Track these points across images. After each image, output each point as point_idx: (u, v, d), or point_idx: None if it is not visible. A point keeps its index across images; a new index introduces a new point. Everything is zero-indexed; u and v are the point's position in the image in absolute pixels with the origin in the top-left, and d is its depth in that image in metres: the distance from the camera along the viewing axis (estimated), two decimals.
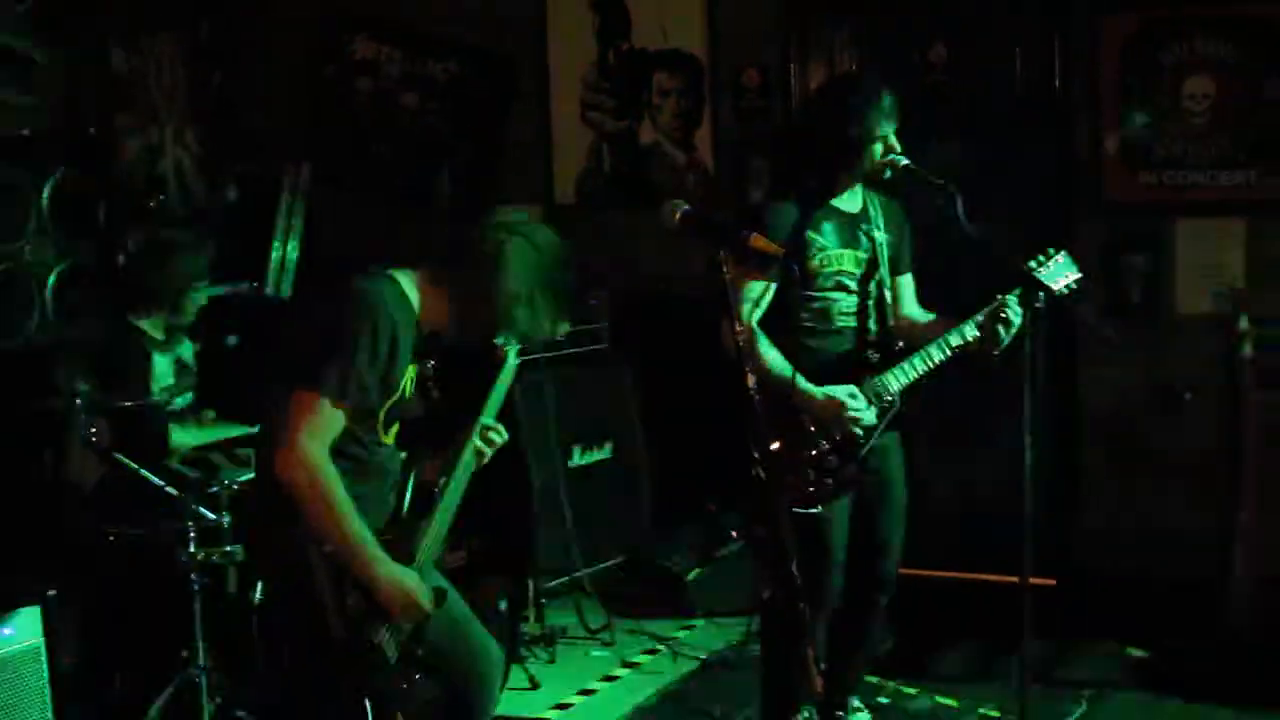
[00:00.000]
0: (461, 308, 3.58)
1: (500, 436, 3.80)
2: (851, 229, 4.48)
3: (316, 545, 3.35)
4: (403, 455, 3.70)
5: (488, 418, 3.78)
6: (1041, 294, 4.37)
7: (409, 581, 3.46)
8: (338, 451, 3.41)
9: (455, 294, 3.56)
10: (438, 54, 7.44)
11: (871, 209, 4.54)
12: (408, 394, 3.57)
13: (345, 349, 3.35)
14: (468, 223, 3.65)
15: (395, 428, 3.60)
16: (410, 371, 3.56)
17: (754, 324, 4.32)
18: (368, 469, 3.53)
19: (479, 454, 3.77)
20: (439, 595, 3.58)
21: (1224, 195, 5.90)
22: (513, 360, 3.84)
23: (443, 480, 3.73)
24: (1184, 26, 5.92)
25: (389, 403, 3.50)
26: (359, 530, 3.37)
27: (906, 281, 4.71)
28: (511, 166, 7.27)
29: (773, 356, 4.30)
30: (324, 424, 3.35)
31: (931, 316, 4.68)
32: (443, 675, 3.66)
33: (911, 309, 4.71)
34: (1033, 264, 4.46)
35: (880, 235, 4.52)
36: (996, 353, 4.43)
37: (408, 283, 3.54)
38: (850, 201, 4.51)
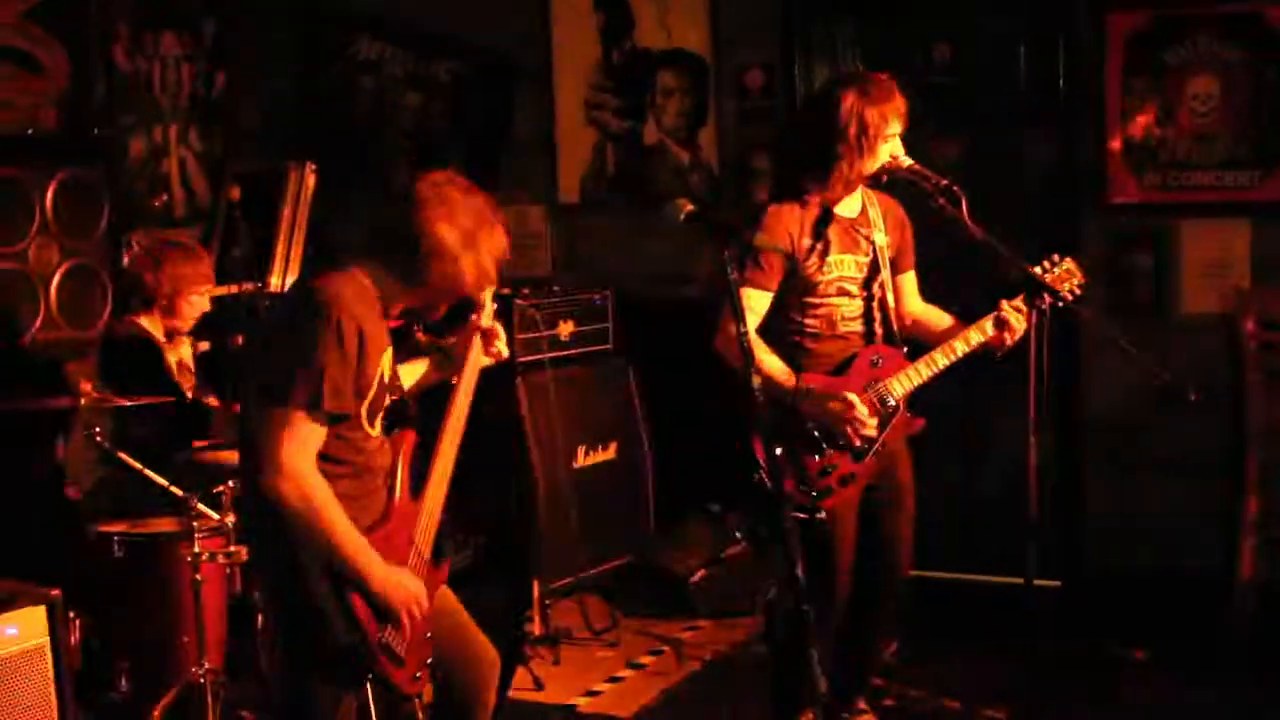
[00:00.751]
0: (414, 283, 3.52)
1: (502, 343, 3.86)
2: (851, 234, 4.47)
3: (310, 553, 3.35)
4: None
5: (465, 388, 3.76)
6: (1048, 298, 4.40)
7: (407, 581, 3.46)
8: (324, 454, 3.38)
9: (403, 272, 3.50)
10: (441, 54, 7.44)
11: (871, 211, 4.53)
12: (387, 377, 3.54)
13: (311, 358, 3.30)
14: (390, 203, 3.59)
15: (380, 418, 3.56)
16: (386, 356, 3.54)
17: (753, 332, 4.32)
18: (356, 466, 3.50)
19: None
20: (438, 577, 3.61)
21: (1229, 195, 5.90)
22: (488, 318, 3.84)
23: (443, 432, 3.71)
24: (1189, 26, 5.92)
25: (369, 397, 3.46)
26: (353, 540, 3.35)
27: (909, 279, 4.71)
28: (515, 166, 7.26)
29: (772, 362, 4.29)
30: (305, 438, 3.32)
31: (935, 311, 4.69)
32: (439, 676, 3.65)
33: (915, 306, 4.71)
34: (1039, 269, 4.46)
35: (880, 238, 4.51)
36: (1000, 355, 4.45)
37: (364, 272, 3.49)
38: (849, 206, 4.49)
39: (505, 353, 3.89)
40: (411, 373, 3.87)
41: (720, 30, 6.80)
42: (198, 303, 5.34)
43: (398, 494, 3.60)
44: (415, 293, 3.55)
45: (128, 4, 6.92)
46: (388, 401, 3.57)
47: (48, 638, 4.19)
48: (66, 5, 6.51)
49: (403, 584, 3.44)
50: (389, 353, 3.55)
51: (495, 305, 3.87)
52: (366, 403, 3.46)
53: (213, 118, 7.40)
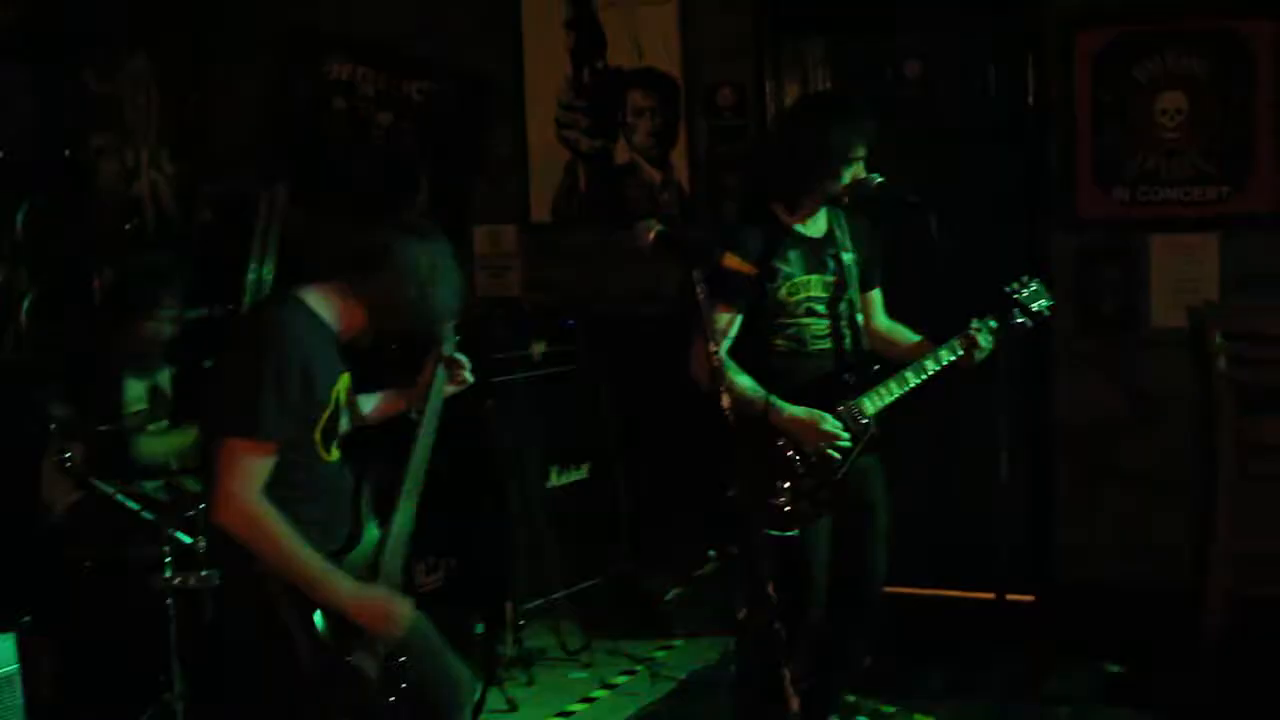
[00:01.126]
0: (370, 311, 3.57)
1: (467, 371, 3.90)
2: (818, 254, 4.48)
3: (276, 579, 3.35)
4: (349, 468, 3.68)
5: (430, 413, 3.79)
6: (1019, 318, 4.44)
7: (378, 594, 3.48)
8: (281, 480, 3.39)
9: (360, 300, 3.55)
10: (412, 73, 7.43)
11: (838, 231, 4.54)
12: (342, 402, 3.56)
13: (254, 388, 3.32)
14: (357, 230, 3.63)
15: (337, 442, 3.58)
16: (342, 382, 3.55)
17: (723, 354, 4.32)
18: (316, 491, 3.51)
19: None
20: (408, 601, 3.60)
21: (1197, 210, 5.92)
22: (450, 348, 3.89)
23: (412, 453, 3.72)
24: (1157, 42, 5.95)
25: (321, 422, 3.48)
26: (312, 562, 3.37)
27: (876, 297, 4.73)
28: (487, 185, 7.26)
29: (743, 381, 4.29)
30: (252, 468, 3.33)
31: (902, 329, 4.71)
32: (413, 699, 3.65)
33: (882, 323, 4.73)
34: (1009, 288, 4.50)
35: (847, 257, 4.53)
36: (970, 372, 4.48)
37: (316, 298, 3.53)
38: (815, 226, 4.50)
39: (470, 379, 3.92)
40: (371, 401, 3.89)
41: (691, 49, 6.80)
42: (167, 327, 5.32)
43: (363, 519, 3.60)
44: (374, 317, 3.58)
45: (99, 26, 6.90)
46: (344, 426, 3.58)
47: (16, 665, 4.17)
48: (37, 27, 6.49)
49: (373, 599, 3.45)
50: (345, 378, 3.56)
51: (458, 337, 3.89)
52: (319, 428, 3.47)
53: (184, 139, 7.38)
